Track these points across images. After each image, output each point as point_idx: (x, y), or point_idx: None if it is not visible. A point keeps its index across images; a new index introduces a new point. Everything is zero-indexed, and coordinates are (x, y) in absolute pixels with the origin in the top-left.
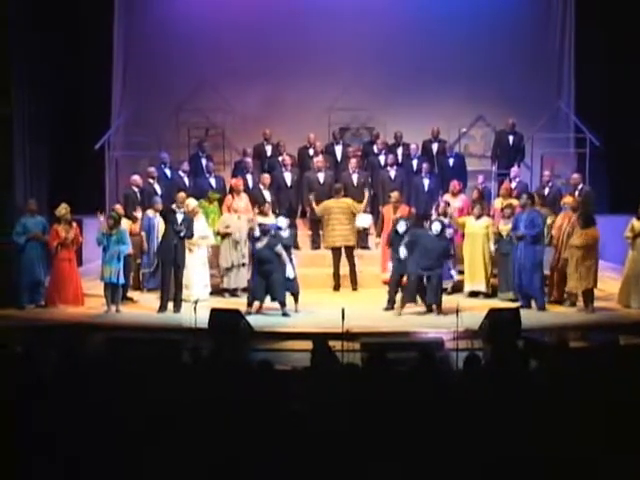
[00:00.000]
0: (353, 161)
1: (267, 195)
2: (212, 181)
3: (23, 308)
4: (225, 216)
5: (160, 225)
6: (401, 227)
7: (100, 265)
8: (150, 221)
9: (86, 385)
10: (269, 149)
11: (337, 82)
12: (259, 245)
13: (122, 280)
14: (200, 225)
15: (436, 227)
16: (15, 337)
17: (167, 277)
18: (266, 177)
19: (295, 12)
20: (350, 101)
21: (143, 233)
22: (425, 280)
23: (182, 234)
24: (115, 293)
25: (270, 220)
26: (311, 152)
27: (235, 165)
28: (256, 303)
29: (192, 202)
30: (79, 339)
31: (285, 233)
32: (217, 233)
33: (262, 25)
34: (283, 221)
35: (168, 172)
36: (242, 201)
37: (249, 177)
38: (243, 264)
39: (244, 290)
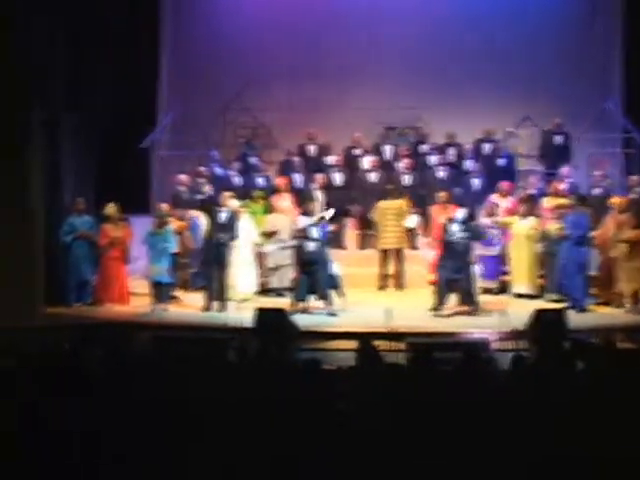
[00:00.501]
0: (405, 162)
1: (319, 195)
2: (260, 180)
3: (70, 306)
4: (271, 216)
5: (205, 224)
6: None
7: (147, 264)
8: (194, 221)
9: (132, 384)
10: (312, 149)
11: (382, 81)
12: (310, 245)
13: (168, 279)
14: (245, 225)
15: (455, 228)
16: (62, 335)
17: (211, 276)
18: (319, 177)
19: (340, 11)
20: (395, 101)
21: (188, 233)
22: (456, 282)
23: (224, 234)
24: (161, 292)
25: (315, 220)
26: (357, 152)
27: (281, 164)
28: (302, 302)
29: (235, 203)
30: (125, 338)
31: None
32: (263, 233)
33: (308, 25)
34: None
35: (218, 171)
36: (286, 201)
37: (297, 176)
38: (288, 264)
39: (289, 290)
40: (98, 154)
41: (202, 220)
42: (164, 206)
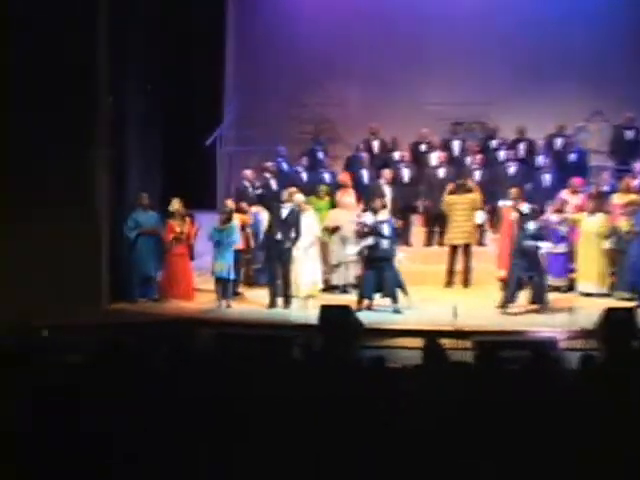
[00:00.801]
0: (476, 157)
1: (388, 191)
2: (326, 176)
3: (135, 302)
4: (334, 212)
5: (265, 220)
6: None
7: (211, 260)
8: (256, 216)
9: (195, 380)
10: (376, 144)
11: (448, 76)
12: (384, 243)
13: (233, 275)
14: (309, 221)
15: (531, 226)
16: (128, 331)
17: (274, 273)
18: (387, 172)
19: (406, 5)
20: (462, 96)
21: (249, 230)
22: (527, 280)
23: (285, 230)
24: (226, 288)
25: (383, 217)
26: (423, 147)
27: (347, 160)
28: (366, 300)
29: (300, 197)
30: (189, 334)
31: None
32: (325, 229)
33: (373, 20)
34: (386, 215)
35: (285, 166)
36: (350, 197)
37: (363, 172)
38: (351, 260)
39: (354, 286)
40: (164, 150)
41: (263, 215)
42: (229, 202)
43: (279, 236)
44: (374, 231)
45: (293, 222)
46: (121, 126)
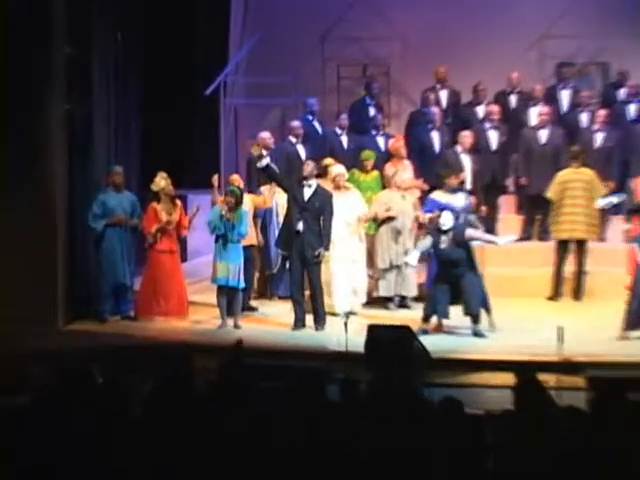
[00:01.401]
0: (601, 113)
1: (466, 161)
2: (380, 141)
3: (105, 321)
4: (385, 194)
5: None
6: None
7: (212, 261)
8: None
9: (192, 428)
10: (444, 95)
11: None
12: (443, 241)
13: (242, 283)
14: (350, 206)
15: None
16: (95, 362)
17: (297, 279)
18: (467, 135)
19: None
20: (572, 24)
21: (259, 220)
22: None
23: (312, 219)
24: (233, 301)
25: (458, 200)
26: (516, 100)
27: (409, 118)
28: (435, 318)
29: (337, 169)
30: (183, 366)
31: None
32: (373, 219)
33: None
34: (462, 199)
35: (318, 127)
36: (407, 172)
37: (433, 136)
38: (408, 263)
39: (416, 299)
40: (145, 110)
41: (280, 199)
42: (236, 178)
43: (300, 226)
44: (446, 222)
45: (322, 207)
46: (85, 84)
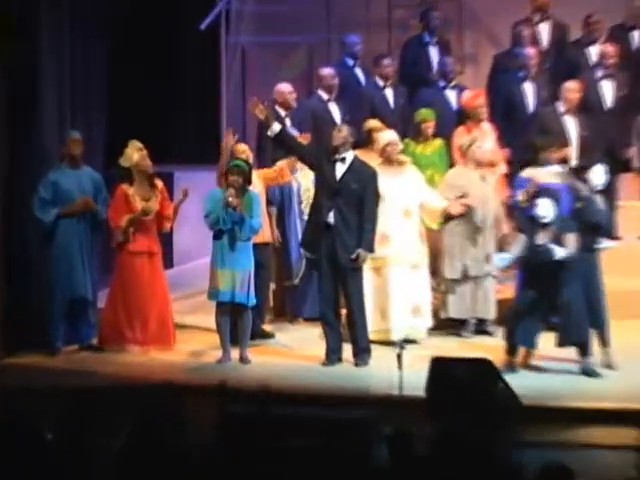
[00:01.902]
0: None
1: (571, 126)
2: (449, 96)
3: (57, 352)
4: (455, 173)
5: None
6: None
7: (210, 268)
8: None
9: None
10: (544, 30)
11: None
12: (540, 239)
13: (253, 299)
14: (404, 189)
15: None
16: (44, 409)
17: (329, 293)
18: (573, 89)
19: None
20: None
21: (273, 209)
22: None
23: (346, 207)
24: (240, 324)
25: (562, 181)
26: (636, 37)
27: (493, 63)
28: (525, 349)
29: (387, 135)
30: (169, 416)
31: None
32: (442, 212)
33: None
34: (600, 173)
35: (360, 76)
36: (488, 140)
37: (525, 89)
38: (488, 273)
39: (499, 323)
40: (113, 53)
41: (305, 179)
42: (243, 149)
43: (331, 218)
44: (546, 213)
45: (361, 190)
46: (28, 25)
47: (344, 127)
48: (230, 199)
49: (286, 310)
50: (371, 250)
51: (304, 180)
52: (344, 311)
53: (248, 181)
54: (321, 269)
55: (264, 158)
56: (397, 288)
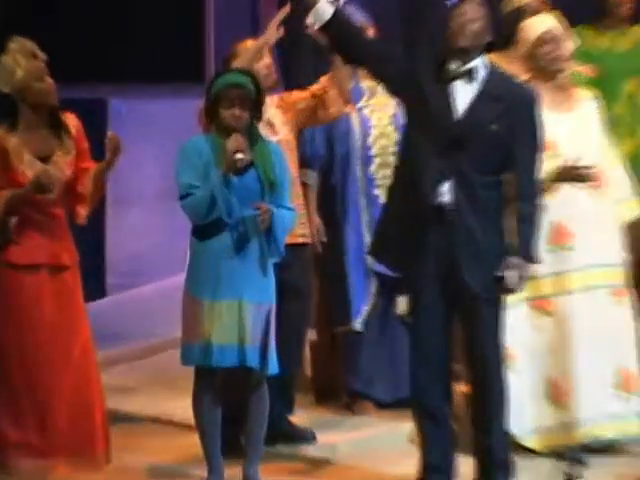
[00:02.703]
0: None
1: None
2: None
3: None
4: None
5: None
6: None
7: (182, 299)
8: (345, 121)
9: None
10: None
11: None
12: None
13: (274, 363)
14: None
15: None
16: None
17: (434, 349)
18: None
19: None
20: None
21: (310, 180)
22: None
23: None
24: (251, 414)
25: None
26: None
27: None
28: None
29: (543, 23)
30: None
31: None
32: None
33: None
34: None
35: None
36: None
37: None
38: None
39: None
40: None
41: (370, 113)
42: (249, 45)
43: (444, 197)
44: None
45: (516, 136)
46: None
47: (472, 2)
48: (239, 156)
49: (338, 384)
50: (535, 260)
51: (375, 117)
52: (461, 387)
53: (257, 116)
54: (420, 301)
55: (293, 75)
56: (588, 336)
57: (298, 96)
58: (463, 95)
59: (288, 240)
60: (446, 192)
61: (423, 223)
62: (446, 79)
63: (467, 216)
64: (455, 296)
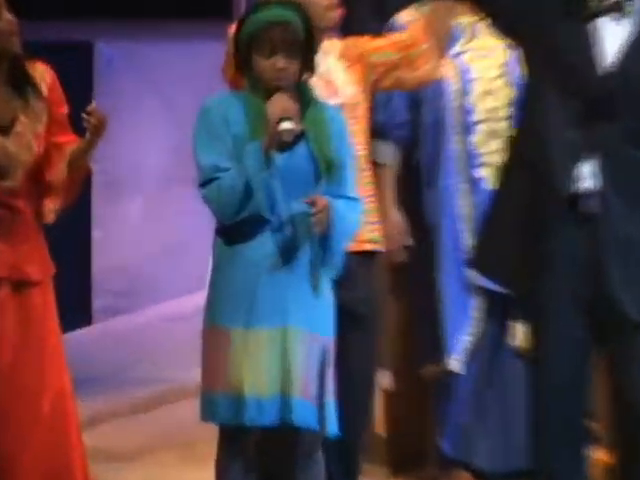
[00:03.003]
0: None
1: None
2: None
3: None
4: None
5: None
6: None
7: (202, 326)
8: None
9: None
10: None
11: None
12: None
13: (333, 421)
14: None
15: None
16: None
17: (568, 392)
18: None
19: None
20: None
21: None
22: None
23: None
24: None
25: None
26: None
27: None
28: None
29: None
30: None
31: None
32: None
33: None
34: None
35: None
36: None
37: None
38: None
39: None
40: None
41: (469, 62)
42: None
43: (588, 184)
44: None
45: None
46: None
47: None
48: (285, 126)
49: (425, 448)
50: None
51: (478, 68)
52: (601, 454)
53: (310, 68)
54: (547, 329)
55: (357, 17)
56: None
57: (372, 44)
58: (612, 37)
59: (352, 247)
60: (588, 176)
61: (553, 220)
62: (586, 15)
63: (618, 209)
64: (600, 322)
